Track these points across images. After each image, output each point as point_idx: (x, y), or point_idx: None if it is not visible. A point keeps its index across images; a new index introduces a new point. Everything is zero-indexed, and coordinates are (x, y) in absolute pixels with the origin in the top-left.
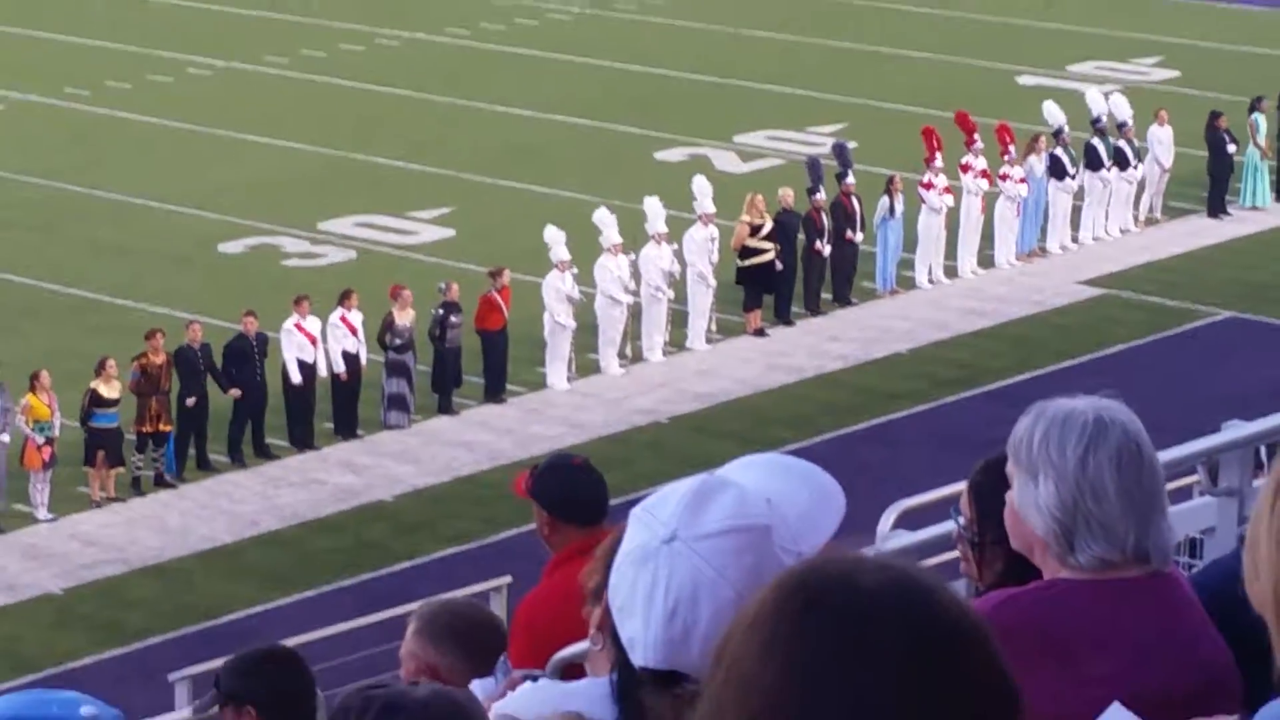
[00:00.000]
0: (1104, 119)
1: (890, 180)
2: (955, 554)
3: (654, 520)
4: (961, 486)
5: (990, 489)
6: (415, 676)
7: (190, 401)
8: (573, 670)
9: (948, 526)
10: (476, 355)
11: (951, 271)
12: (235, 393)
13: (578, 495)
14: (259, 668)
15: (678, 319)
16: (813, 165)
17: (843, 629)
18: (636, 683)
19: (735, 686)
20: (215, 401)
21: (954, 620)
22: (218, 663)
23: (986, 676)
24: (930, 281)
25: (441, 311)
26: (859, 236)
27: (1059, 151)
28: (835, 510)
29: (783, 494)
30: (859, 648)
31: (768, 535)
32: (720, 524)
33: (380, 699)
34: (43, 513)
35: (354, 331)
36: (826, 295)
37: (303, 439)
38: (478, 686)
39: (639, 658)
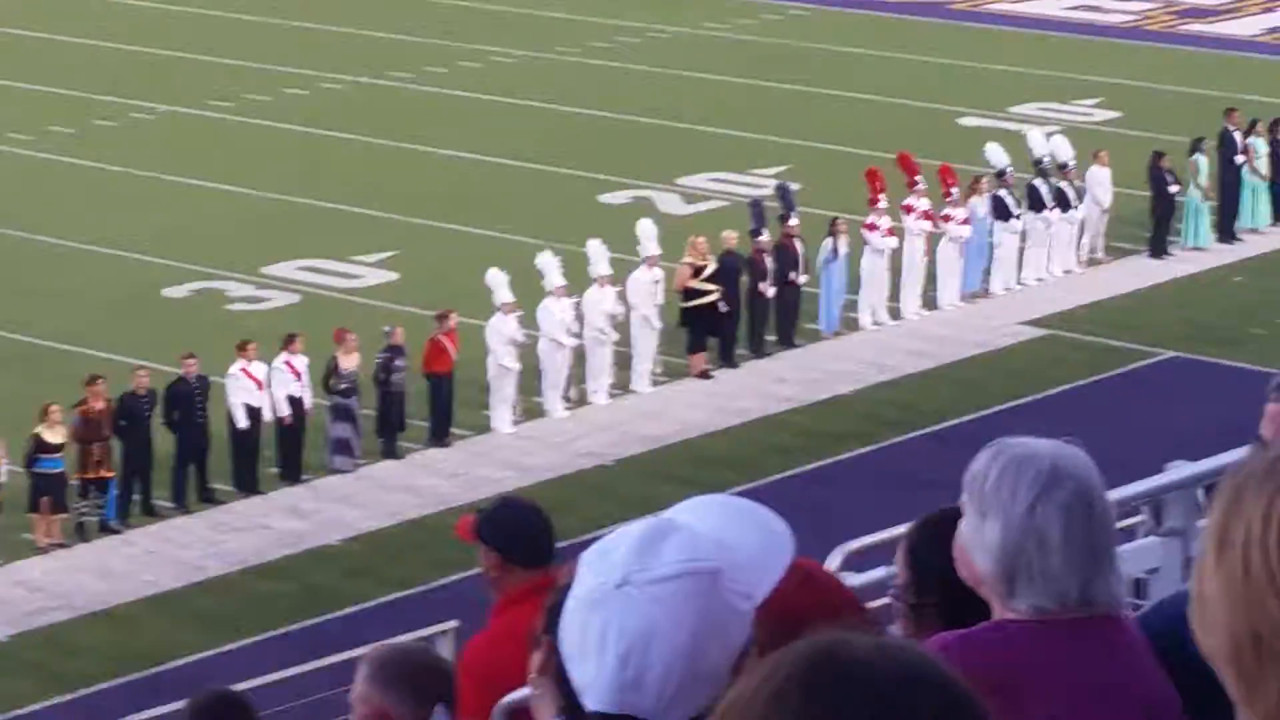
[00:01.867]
0: (1046, 160)
1: (833, 222)
2: None
3: (604, 564)
4: (905, 528)
5: (926, 550)
6: None
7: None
8: (521, 715)
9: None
10: (421, 398)
11: (895, 313)
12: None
13: (524, 537)
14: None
15: (622, 361)
16: (755, 207)
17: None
18: None
19: None
20: (159, 446)
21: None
22: (163, 709)
23: None
24: (874, 323)
25: (386, 355)
26: (803, 278)
27: (1003, 193)
28: (784, 552)
29: (732, 536)
30: None
31: (718, 578)
32: (671, 568)
33: None
34: None
35: (298, 376)
36: (771, 337)
37: (248, 483)
38: None
39: (592, 702)
